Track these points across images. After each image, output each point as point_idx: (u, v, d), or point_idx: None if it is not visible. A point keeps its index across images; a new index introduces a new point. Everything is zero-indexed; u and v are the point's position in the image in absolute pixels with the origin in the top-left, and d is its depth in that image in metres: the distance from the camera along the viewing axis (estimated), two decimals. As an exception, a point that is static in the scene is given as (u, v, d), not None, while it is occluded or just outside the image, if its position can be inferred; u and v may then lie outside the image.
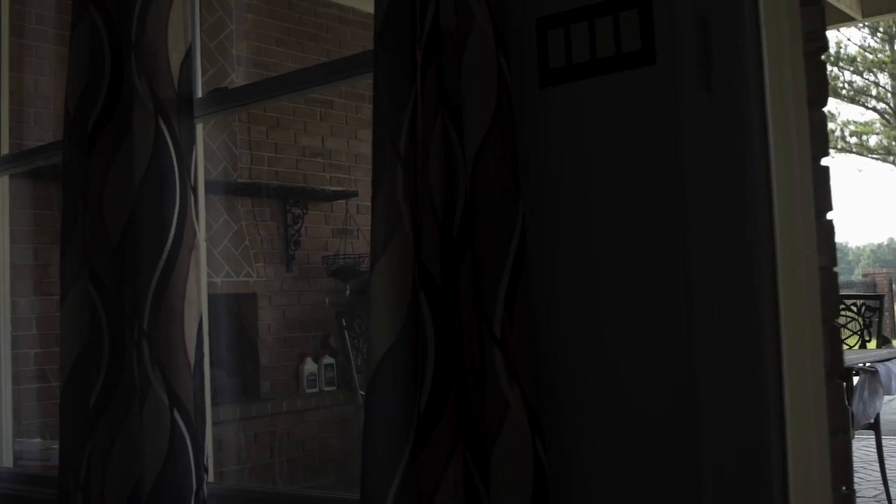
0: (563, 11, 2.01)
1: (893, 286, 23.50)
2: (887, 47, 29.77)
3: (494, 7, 1.97)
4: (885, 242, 71.48)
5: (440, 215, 2.00)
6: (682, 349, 1.77)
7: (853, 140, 30.48)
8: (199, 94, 2.94)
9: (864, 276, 24.95)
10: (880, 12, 7.87)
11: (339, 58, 2.67)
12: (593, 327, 1.93)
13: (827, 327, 1.74)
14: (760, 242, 1.64)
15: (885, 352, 4.60)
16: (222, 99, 2.92)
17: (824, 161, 1.80)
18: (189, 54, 2.77)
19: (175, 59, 2.73)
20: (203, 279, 2.86)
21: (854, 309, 5.39)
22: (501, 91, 1.95)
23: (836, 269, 1.79)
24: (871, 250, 73.10)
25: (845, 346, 5.37)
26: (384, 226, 2.03)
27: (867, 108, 30.52)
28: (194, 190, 2.73)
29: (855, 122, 30.67)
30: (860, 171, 61.08)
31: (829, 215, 1.79)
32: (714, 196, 1.70)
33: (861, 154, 30.82)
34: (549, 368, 1.99)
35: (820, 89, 1.78)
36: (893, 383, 4.75)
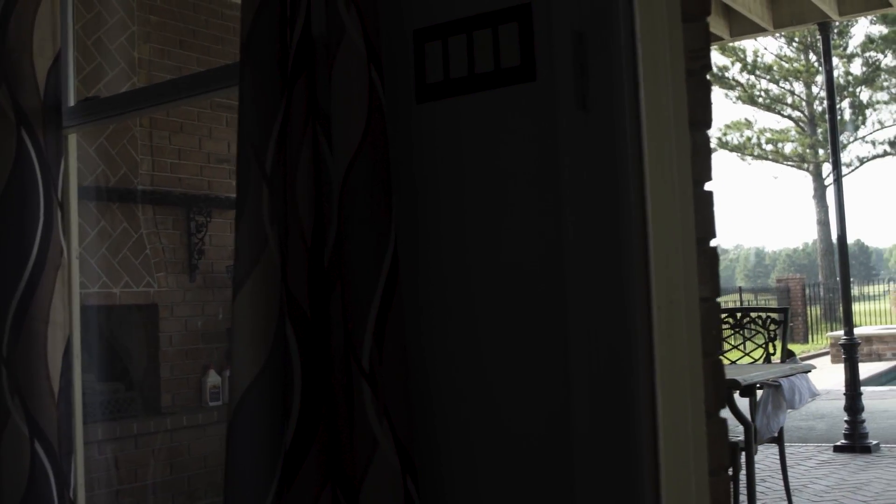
0: (440, 23, 1.90)
1: (806, 291, 23.93)
2: (803, 57, 30.34)
3: (367, 18, 1.85)
4: (801, 247, 73.02)
5: (309, 239, 1.88)
6: (560, 383, 1.67)
7: (769, 147, 31.00)
8: (72, 102, 2.77)
9: (779, 281, 25.37)
10: (790, 24, 7.94)
11: (208, 69, 2.53)
12: (470, 357, 1.82)
13: (708, 362, 1.65)
14: (634, 273, 1.55)
15: (787, 367, 4.59)
16: (94, 109, 2.75)
17: (707, 185, 1.71)
18: (58, 60, 2.61)
19: (41, 66, 2.56)
20: (74, 299, 2.69)
21: (759, 322, 5.39)
22: (373, 107, 1.83)
23: (718, 299, 1.70)
24: (787, 255, 74.67)
25: (749, 360, 5.38)
26: (249, 250, 1.90)
27: (783, 115, 31.08)
28: (61, 205, 2.56)
29: (771, 130, 31.21)
30: (776, 177, 62.16)
31: (713, 242, 1.71)
32: (589, 225, 1.60)
33: (777, 161, 31.36)
34: (423, 403, 1.87)
35: (703, 110, 1.69)
36: (797, 397, 4.74)
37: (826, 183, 31.13)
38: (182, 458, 6.09)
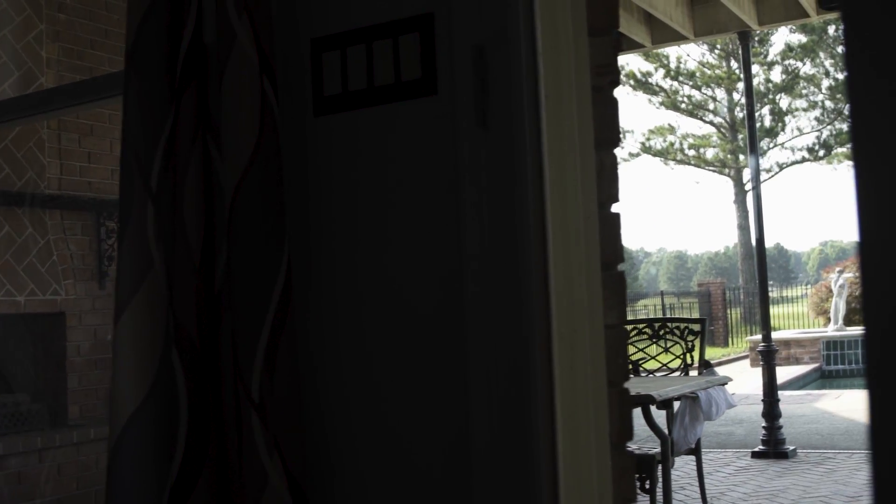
0: (339, 33, 1.80)
1: (727, 295, 24.25)
2: (724, 64, 30.79)
3: (260, 25, 1.74)
4: (722, 251, 74.28)
5: (198, 260, 1.76)
6: (460, 412, 1.58)
7: (691, 152, 31.40)
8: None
9: (700, 285, 25.68)
10: (711, 32, 7.99)
11: (93, 77, 2.39)
12: (367, 386, 1.72)
13: (614, 392, 1.57)
14: (533, 301, 1.46)
15: (703, 380, 4.57)
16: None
17: (615, 207, 1.64)
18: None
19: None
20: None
21: (678, 332, 5.37)
22: (266, 120, 1.72)
23: (625, 325, 1.63)
24: (709, 258, 75.88)
25: (667, 371, 5.36)
26: (131, 272, 1.77)
27: (705, 121, 31.50)
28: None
29: (693, 135, 31.63)
30: (698, 182, 63.00)
31: (620, 267, 1.63)
32: (488, 249, 1.51)
33: (699, 166, 31.78)
34: (317, 435, 1.77)
35: (610, 128, 1.61)
36: (714, 409, 4.73)
37: (746, 188, 31.62)
38: (90, 473, 5.88)
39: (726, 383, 4.88)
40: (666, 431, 4.45)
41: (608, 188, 1.60)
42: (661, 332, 5.39)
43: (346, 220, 1.76)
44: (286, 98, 1.83)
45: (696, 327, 5.41)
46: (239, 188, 1.71)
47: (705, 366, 5.19)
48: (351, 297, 1.74)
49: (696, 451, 4.83)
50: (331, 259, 1.77)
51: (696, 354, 5.31)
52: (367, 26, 1.77)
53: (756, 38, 27.24)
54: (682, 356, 5.32)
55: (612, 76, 1.63)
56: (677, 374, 5.28)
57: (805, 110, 31.99)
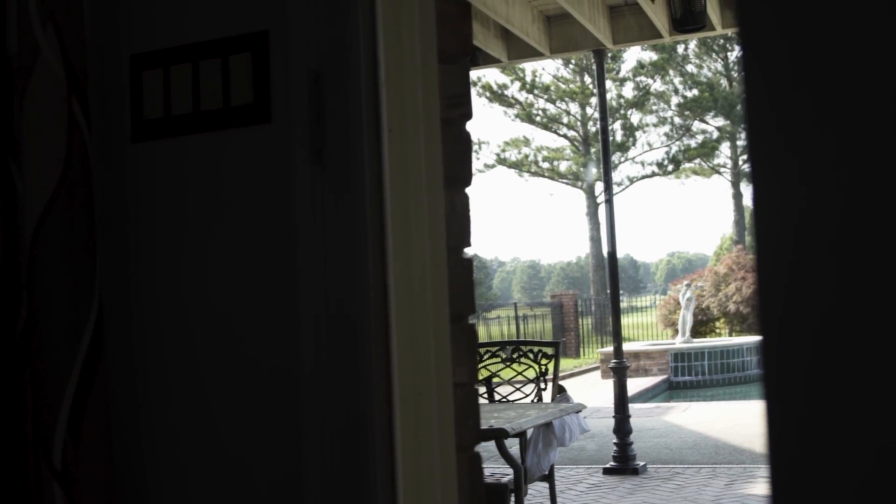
0: (162, 49, 1.60)
1: (579, 306, 24.63)
2: (578, 79, 31.37)
3: (69, 39, 1.53)
4: (574, 261, 75.81)
5: (-8, 304, 1.54)
6: (294, 479, 1.40)
7: (545, 165, 31.85)
8: None
9: (553, 296, 26.01)
10: (567, 50, 8.01)
11: None
12: (194, 446, 1.53)
13: (464, 458, 1.42)
14: (371, 363, 1.30)
15: (557, 409, 4.49)
16: None
17: (467, 252, 1.49)
18: None
19: None
20: None
21: (531, 356, 5.30)
22: (74, 145, 1.51)
23: (477, 385, 1.49)
24: (561, 268, 77.36)
25: (521, 395, 5.27)
26: (-88, 318, 1.54)
27: (559, 134, 32.00)
28: None
29: (547, 148, 32.08)
30: (552, 194, 63.90)
31: (472, 319, 1.49)
32: (325, 304, 1.34)
33: (553, 178, 32.26)
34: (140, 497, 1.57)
35: (461, 165, 1.47)
36: (567, 435, 4.67)
37: (598, 200, 32.26)
38: None
39: (580, 410, 4.82)
40: (519, 460, 4.35)
41: (459, 232, 1.45)
42: (515, 356, 5.31)
43: (171, 261, 1.57)
44: (100, 121, 1.62)
45: (550, 350, 5.35)
46: (42, 223, 1.49)
47: (559, 390, 5.13)
48: (179, 351, 1.54)
49: (549, 478, 4.75)
50: (153, 309, 1.57)
51: (549, 379, 5.24)
52: (193, 43, 1.58)
53: (609, 55, 27.83)
54: (535, 380, 5.25)
55: (464, 108, 1.48)
56: (531, 397, 5.20)
57: (655, 126, 32.88)
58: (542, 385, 5.23)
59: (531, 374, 5.27)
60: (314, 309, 1.34)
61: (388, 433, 1.30)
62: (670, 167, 32.79)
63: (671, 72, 32.36)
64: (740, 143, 33.84)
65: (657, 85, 32.37)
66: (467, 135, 1.50)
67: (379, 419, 1.29)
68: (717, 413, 11.28)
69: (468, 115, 1.49)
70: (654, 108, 32.63)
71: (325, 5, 1.36)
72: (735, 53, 33.97)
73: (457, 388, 1.42)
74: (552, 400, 5.09)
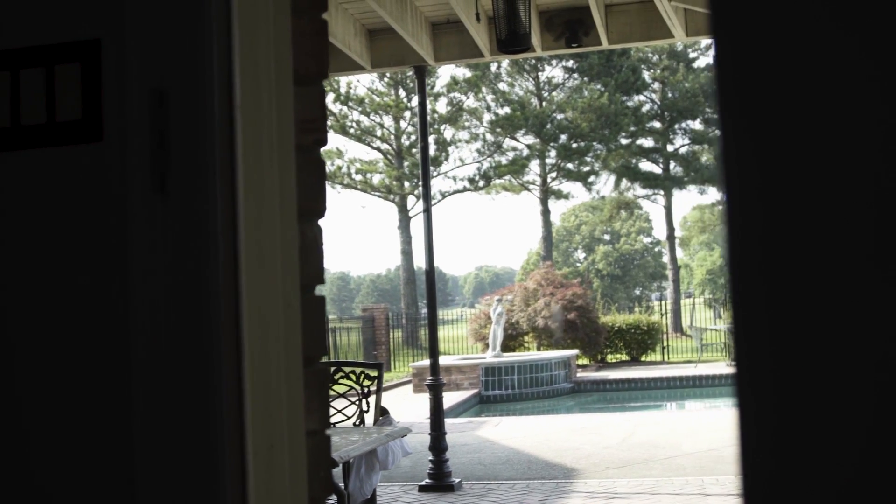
0: (-25, 54, 1.42)
1: (390, 319, 24.65)
2: (393, 92, 31.48)
3: None
4: (384, 273, 76.11)
5: None
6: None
7: (358, 177, 31.77)
8: None
9: (364, 310, 25.92)
10: (389, 65, 7.96)
11: None
12: None
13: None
14: (224, 418, 1.17)
15: (383, 435, 4.38)
16: None
17: (319, 290, 1.38)
18: None
19: None
20: None
21: (353, 377, 5.19)
22: None
23: (328, 431, 1.38)
24: (371, 280, 77.53)
25: (343, 419, 5.15)
26: None
27: (372, 147, 32.01)
28: None
29: (361, 161, 32.03)
30: (364, 206, 63.87)
31: (324, 359, 1.38)
32: (165, 348, 1.21)
33: (365, 191, 32.20)
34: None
35: (316, 196, 1.36)
36: (390, 458, 4.59)
37: (411, 214, 32.45)
38: None
39: (405, 435, 4.75)
40: (342, 485, 4.24)
41: (312, 268, 1.34)
42: (336, 377, 5.19)
43: (-22, 292, 1.39)
44: None
45: (373, 372, 5.25)
46: None
47: (382, 413, 5.04)
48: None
49: (371, 501, 4.65)
50: (-46, 345, 1.38)
51: (372, 400, 5.14)
52: (13, 49, 1.41)
53: (413, 68, 28.01)
54: (357, 401, 5.14)
55: (319, 134, 1.37)
56: (353, 419, 5.09)
57: (467, 142, 33.35)
58: (364, 407, 5.13)
59: (352, 396, 5.16)
60: (146, 359, 1.20)
61: (241, 491, 1.17)
62: (481, 183, 33.31)
63: (484, 89, 32.92)
64: (549, 160, 34.78)
65: (470, 102, 32.87)
66: (321, 162, 1.39)
67: (231, 477, 1.16)
68: (529, 428, 11.45)
69: (323, 141, 1.38)
70: (467, 124, 33.11)
71: (169, 15, 1.22)
72: (546, 74, 34.92)
73: (308, 436, 1.31)
74: (374, 422, 4.99)
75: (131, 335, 1.21)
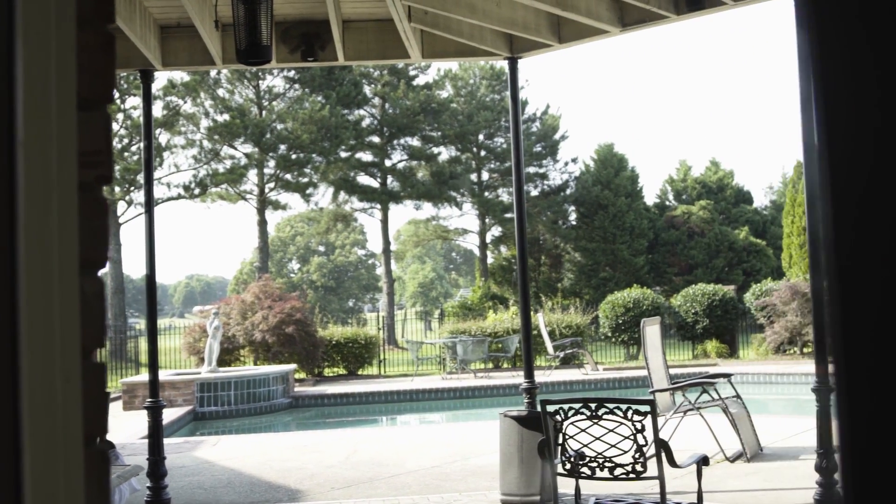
0: None
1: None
2: (103, 91, 30.04)
3: None
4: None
5: None
6: None
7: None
8: None
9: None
10: (120, 66, 7.49)
11: None
12: None
13: None
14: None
15: (114, 476, 4.03)
16: None
17: (99, 355, 1.16)
18: None
19: None
20: None
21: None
22: None
23: (109, 525, 1.15)
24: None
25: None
26: None
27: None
28: None
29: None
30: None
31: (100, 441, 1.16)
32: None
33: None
34: None
35: (97, 243, 1.14)
36: (117, 497, 4.25)
37: (121, 220, 31.06)
38: None
39: (138, 474, 4.41)
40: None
41: (92, 330, 1.12)
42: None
43: None
44: None
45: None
46: None
47: (109, 446, 4.67)
48: None
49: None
50: None
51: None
52: None
53: (139, 72, 26.79)
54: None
55: (103, 169, 1.16)
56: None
57: (184, 148, 32.35)
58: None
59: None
60: None
61: None
62: (197, 190, 32.40)
63: (203, 94, 32.05)
64: (268, 170, 34.35)
65: (187, 106, 31.91)
66: (104, 203, 1.17)
67: None
68: (249, 447, 11.12)
69: (107, 178, 1.16)
70: (184, 129, 32.11)
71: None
72: (267, 83, 34.45)
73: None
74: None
75: None
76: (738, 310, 22.64)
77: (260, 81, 34.23)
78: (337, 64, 7.67)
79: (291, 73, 34.39)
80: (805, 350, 20.55)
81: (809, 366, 18.42)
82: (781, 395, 17.56)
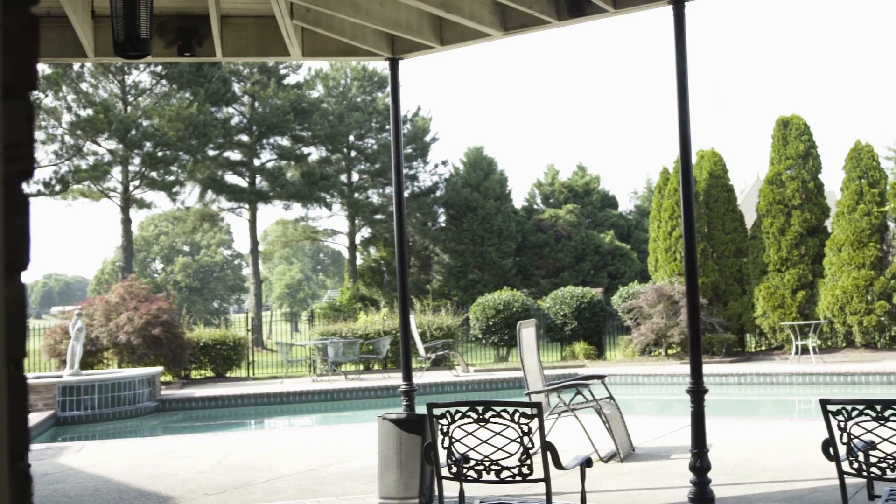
0: None
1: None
2: None
3: None
4: None
5: None
6: None
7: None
8: None
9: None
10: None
11: None
12: None
13: None
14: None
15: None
16: None
17: (22, 364, 1.06)
18: None
19: None
20: None
21: None
22: None
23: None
24: None
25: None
26: None
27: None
28: None
29: None
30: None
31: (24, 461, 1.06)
32: None
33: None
34: None
35: (21, 245, 1.05)
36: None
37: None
38: None
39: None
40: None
41: (14, 338, 1.03)
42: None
43: None
44: None
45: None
46: None
47: None
48: None
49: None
50: None
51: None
52: None
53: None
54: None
55: (24, 163, 1.07)
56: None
57: (44, 143, 31.21)
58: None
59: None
60: None
61: None
62: (58, 187, 31.32)
63: (65, 88, 31.00)
64: (133, 168, 33.42)
65: (49, 100, 30.81)
66: (26, 200, 1.08)
67: None
68: (116, 452, 10.76)
69: (28, 172, 1.07)
70: (45, 123, 30.98)
71: None
72: (133, 78, 33.54)
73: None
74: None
75: None
76: (605, 312, 23.10)
77: (126, 76, 33.30)
78: (215, 60, 7.48)
79: (159, 69, 33.56)
80: (670, 352, 21.10)
81: (675, 367, 19.04)
82: (648, 396, 17.99)
